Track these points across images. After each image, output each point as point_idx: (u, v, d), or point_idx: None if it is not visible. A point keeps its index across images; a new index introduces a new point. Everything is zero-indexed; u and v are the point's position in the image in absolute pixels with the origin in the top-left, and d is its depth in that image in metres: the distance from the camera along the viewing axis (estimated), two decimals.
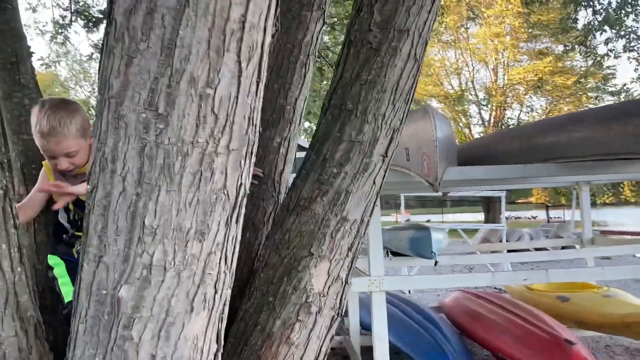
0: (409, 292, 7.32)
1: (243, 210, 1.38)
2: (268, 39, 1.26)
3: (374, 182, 1.97)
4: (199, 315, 1.30)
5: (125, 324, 1.25)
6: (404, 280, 4.23)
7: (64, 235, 2.19)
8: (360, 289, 3.48)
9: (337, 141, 1.95)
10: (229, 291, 1.41)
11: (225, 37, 1.17)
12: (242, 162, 1.28)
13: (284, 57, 2.55)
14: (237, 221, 1.34)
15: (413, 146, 3.33)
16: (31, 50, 2.28)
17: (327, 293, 1.93)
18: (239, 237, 1.40)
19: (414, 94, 2.03)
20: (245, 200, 1.37)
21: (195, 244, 1.25)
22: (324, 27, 2.65)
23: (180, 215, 1.23)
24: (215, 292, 1.33)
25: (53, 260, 2.14)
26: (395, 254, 5.64)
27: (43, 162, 2.10)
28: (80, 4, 8.08)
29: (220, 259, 1.31)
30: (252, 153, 1.32)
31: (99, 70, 1.26)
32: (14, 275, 1.53)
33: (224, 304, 1.39)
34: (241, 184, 1.31)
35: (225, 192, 1.27)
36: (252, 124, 1.29)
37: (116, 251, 1.24)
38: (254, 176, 2.30)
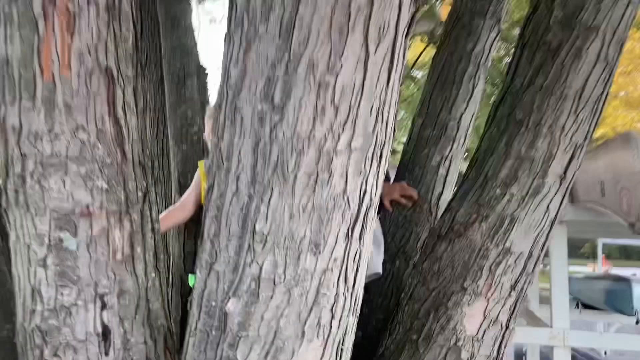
0: (605, 353, 6.35)
1: (371, 225, 1.17)
2: (404, 18, 1.06)
3: (548, 209, 1.62)
4: (312, 343, 1.11)
5: (231, 343, 1.11)
6: (596, 337, 3.61)
7: None
8: (540, 342, 3.03)
9: (503, 157, 1.65)
10: (352, 319, 1.20)
11: (350, 15, 1.00)
12: (367, 164, 1.08)
13: (451, 68, 2.31)
14: (360, 236, 1.13)
15: (610, 179, 2.88)
16: (202, 65, 2.37)
17: (482, 338, 1.61)
18: (365, 256, 1.19)
19: (604, 104, 1.65)
20: (373, 212, 1.16)
21: (309, 256, 1.08)
22: (497, 36, 2.36)
23: (293, 221, 1.06)
24: (333, 318, 1.13)
25: (193, 281, 2.14)
26: (588, 306, 4.96)
27: (199, 162, 2.11)
28: None
29: (338, 278, 1.11)
30: (381, 156, 1.11)
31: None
32: (147, 280, 1.49)
33: (345, 334, 1.19)
34: (365, 191, 1.11)
35: (346, 198, 1.08)
36: (382, 121, 1.09)
37: (227, 259, 1.12)
38: (408, 198, 2.08)
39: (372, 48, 1.02)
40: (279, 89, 1.03)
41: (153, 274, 1.53)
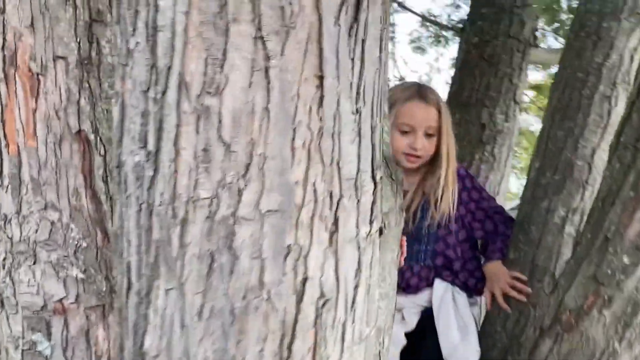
0: None
1: (356, 329, 0.72)
2: None
3: None
4: None
5: None
6: None
7: None
8: None
9: (632, 205, 1.06)
10: None
11: None
12: (299, 233, 0.65)
13: (573, 89, 1.72)
14: (314, 353, 0.68)
15: None
16: None
17: None
18: None
19: None
20: (346, 310, 0.71)
21: None
22: None
23: (186, 335, 0.66)
24: None
25: None
26: None
27: None
28: None
29: None
30: (337, 217, 0.68)
31: None
32: None
33: None
34: (307, 277, 0.66)
35: (266, 294, 0.65)
36: (321, 160, 0.65)
37: None
38: (520, 292, 1.51)
39: (273, 44, 0.61)
40: (152, 127, 0.66)
41: None
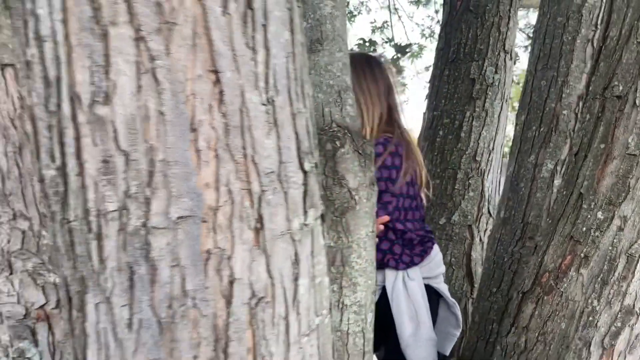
0: None
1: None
2: None
3: None
4: None
5: None
6: None
7: None
8: None
9: (602, 157, 1.01)
10: None
11: None
12: (209, 234, 0.63)
13: (554, 36, 1.64)
14: None
15: None
16: None
17: None
18: None
19: None
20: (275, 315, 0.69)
21: None
22: None
23: None
24: None
25: None
26: None
27: None
28: None
29: None
30: (260, 227, 0.65)
31: None
32: None
33: None
34: (232, 280, 0.64)
35: (192, 303, 0.63)
36: (233, 158, 0.62)
37: None
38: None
39: (156, 43, 0.58)
40: (56, 141, 0.64)
41: None
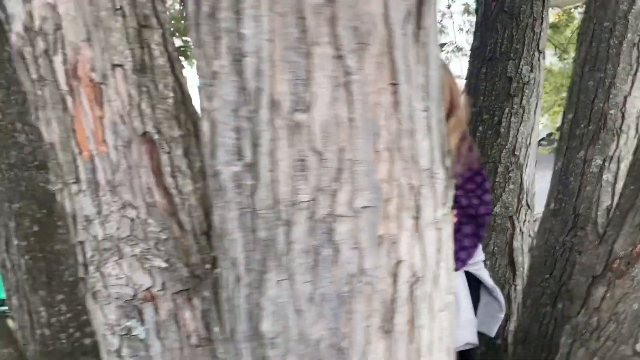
0: None
1: (445, 304, 0.82)
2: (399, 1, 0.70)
3: None
4: None
5: None
6: None
7: None
8: None
9: None
10: None
11: (306, 19, 0.68)
12: (390, 224, 0.74)
13: (601, 40, 1.75)
14: (413, 324, 0.79)
15: None
16: None
17: None
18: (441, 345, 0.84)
19: None
20: (435, 285, 0.81)
21: None
22: None
23: (301, 318, 0.77)
24: None
25: None
26: None
27: None
28: None
29: None
30: (419, 208, 0.76)
31: None
32: None
33: None
34: (400, 260, 0.76)
35: (367, 278, 0.75)
36: (399, 157, 0.74)
37: None
38: None
39: (351, 61, 0.69)
40: (247, 142, 0.75)
41: None
